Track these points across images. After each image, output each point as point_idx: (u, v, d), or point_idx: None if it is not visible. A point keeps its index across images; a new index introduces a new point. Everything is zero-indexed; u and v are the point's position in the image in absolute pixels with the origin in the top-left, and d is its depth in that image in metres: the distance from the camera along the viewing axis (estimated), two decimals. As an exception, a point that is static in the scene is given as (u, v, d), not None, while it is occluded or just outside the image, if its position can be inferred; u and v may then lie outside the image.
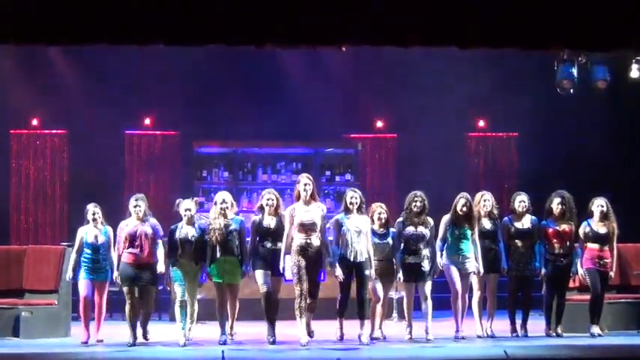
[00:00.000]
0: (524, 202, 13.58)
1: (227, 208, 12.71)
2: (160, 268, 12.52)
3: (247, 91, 19.36)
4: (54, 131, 20.31)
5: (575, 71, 17.68)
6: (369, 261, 12.63)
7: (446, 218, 13.15)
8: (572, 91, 17.79)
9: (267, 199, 12.85)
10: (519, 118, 19.67)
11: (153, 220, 12.67)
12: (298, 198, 12.80)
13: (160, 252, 12.58)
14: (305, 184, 12.72)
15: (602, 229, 13.40)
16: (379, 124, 20.85)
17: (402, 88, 18.92)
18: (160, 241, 12.59)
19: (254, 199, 19.12)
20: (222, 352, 11.76)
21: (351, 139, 20.40)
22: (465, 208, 13.01)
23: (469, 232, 13.02)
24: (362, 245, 12.63)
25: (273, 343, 12.56)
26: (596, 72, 17.77)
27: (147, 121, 20.43)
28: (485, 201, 13.42)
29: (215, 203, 12.86)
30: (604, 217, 13.44)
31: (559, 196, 13.49)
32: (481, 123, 21.04)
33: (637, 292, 14.08)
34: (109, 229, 12.85)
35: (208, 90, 19.31)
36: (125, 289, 12.50)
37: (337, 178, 19.82)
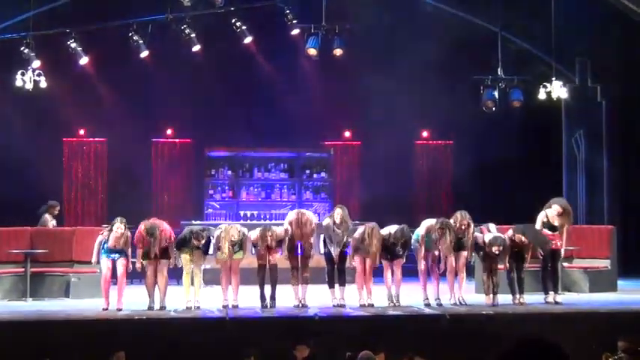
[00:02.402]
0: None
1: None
2: (171, 262, 12.13)
3: (246, 109, 19.26)
4: (96, 139, 20.16)
5: (496, 94, 17.66)
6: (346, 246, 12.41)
7: (426, 227, 12.38)
8: (494, 109, 17.77)
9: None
10: (454, 130, 19.62)
11: (163, 225, 12.19)
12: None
13: (171, 251, 12.13)
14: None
15: (556, 222, 12.82)
16: (347, 133, 20.75)
17: (365, 105, 18.80)
18: (170, 246, 12.14)
19: (251, 191, 19.11)
20: (227, 313, 11.59)
21: (325, 145, 20.31)
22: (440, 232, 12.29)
23: None
24: (343, 240, 12.41)
25: (272, 307, 12.16)
26: (513, 94, 17.75)
27: (169, 132, 20.30)
28: (463, 219, 12.43)
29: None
30: (559, 215, 12.83)
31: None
32: (425, 133, 20.95)
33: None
34: (129, 235, 12.27)
35: (216, 107, 19.19)
36: (145, 263, 12.21)
37: (314, 176, 19.82)
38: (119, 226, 12.22)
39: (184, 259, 12.16)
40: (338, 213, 12.58)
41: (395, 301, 12.40)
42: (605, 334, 10.44)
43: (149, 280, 12.13)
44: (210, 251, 12.40)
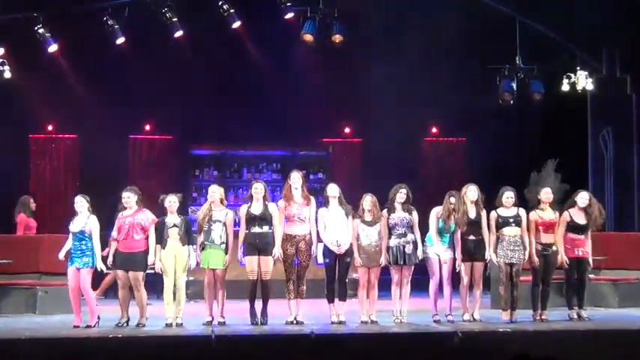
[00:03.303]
0: (512, 197, 12.55)
1: (214, 200, 12.38)
2: (150, 257, 11.98)
3: (234, 102, 19.25)
4: (66, 135, 20.19)
5: (514, 85, 17.67)
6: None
7: (436, 212, 12.45)
8: (512, 101, 17.78)
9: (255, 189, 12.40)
10: (467, 125, 19.61)
11: (145, 212, 12.23)
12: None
13: (151, 241, 12.04)
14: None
15: (582, 221, 12.64)
16: (347, 129, 20.76)
17: (366, 99, 18.80)
18: (151, 232, 12.09)
19: (240, 194, 19.06)
20: (213, 330, 11.54)
21: (323, 143, 20.35)
22: (452, 205, 12.45)
23: (454, 226, 12.43)
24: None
25: (264, 323, 12.06)
26: (532, 85, 17.77)
27: (147, 127, 20.30)
28: (471, 191, 12.53)
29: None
30: (587, 207, 12.65)
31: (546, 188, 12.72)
32: (434, 129, 20.97)
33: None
34: (94, 218, 12.11)
35: (201, 101, 19.17)
36: (117, 273, 12.13)
37: (311, 177, 19.81)
38: (80, 201, 12.06)
39: (165, 262, 12.04)
40: (332, 188, 12.54)
41: (402, 317, 12.36)
42: (636, 354, 10.41)
43: (122, 293, 12.07)
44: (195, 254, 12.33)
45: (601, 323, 12.47)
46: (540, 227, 12.53)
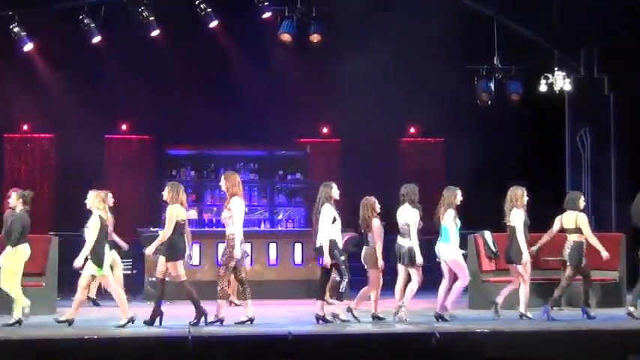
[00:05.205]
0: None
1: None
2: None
3: (212, 102, 19.19)
4: (42, 135, 20.08)
5: (492, 85, 17.72)
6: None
7: (451, 212, 12.61)
8: (490, 102, 17.82)
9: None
10: (446, 126, 19.64)
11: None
12: None
13: None
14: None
15: None
16: (325, 129, 20.76)
17: (345, 99, 18.80)
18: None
19: (217, 194, 19.00)
20: (189, 331, 11.49)
21: (300, 143, 20.32)
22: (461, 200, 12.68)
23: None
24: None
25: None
26: (510, 86, 17.83)
27: (124, 127, 20.24)
28: (525, 195, 12.77)
29: None
30: None
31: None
32: (412, 129, 21.00)
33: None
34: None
35: (177, 100, 19.14)
36: None
37: (288, 177, 19.83)
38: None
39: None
40: (336, 189, 12.51)
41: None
42: (610, 355, 10.47)
43: None
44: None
45: (578, 324, 12.52)
46: None
